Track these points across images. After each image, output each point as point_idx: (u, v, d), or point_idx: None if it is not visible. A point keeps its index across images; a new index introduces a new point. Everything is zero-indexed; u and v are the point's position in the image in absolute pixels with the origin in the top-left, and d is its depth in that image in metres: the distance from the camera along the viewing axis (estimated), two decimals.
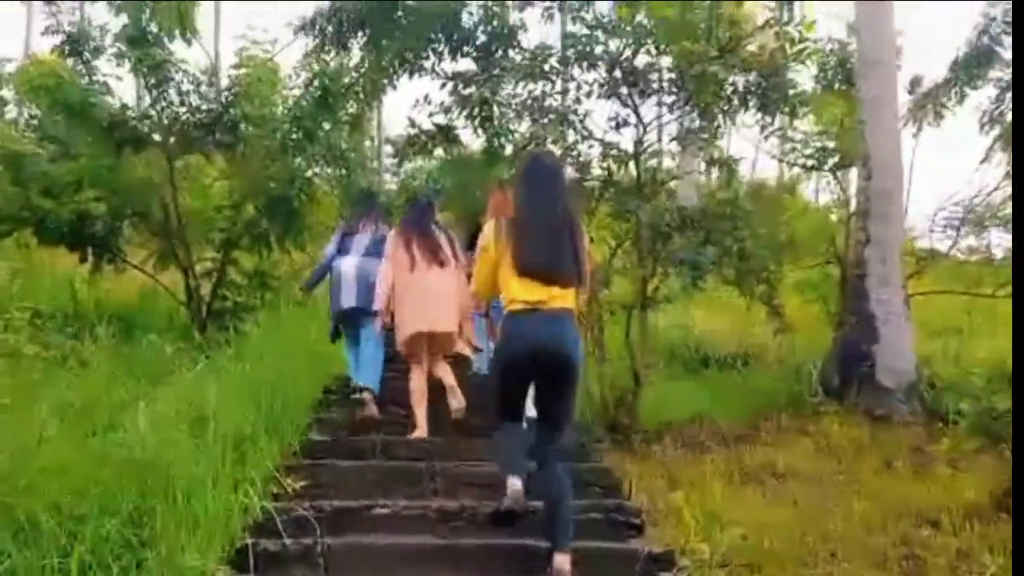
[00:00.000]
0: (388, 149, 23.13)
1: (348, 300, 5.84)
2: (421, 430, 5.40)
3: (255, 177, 8.08)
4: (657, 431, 6.97)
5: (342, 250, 6.09)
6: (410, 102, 7.97)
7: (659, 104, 6.78)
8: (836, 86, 8.53)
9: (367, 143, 22.47)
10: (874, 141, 8.22)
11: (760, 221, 7.54)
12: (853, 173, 9.87)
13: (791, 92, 6.42)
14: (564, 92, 7.41)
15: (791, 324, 7.40)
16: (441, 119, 7.73)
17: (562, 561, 3.45)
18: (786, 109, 6.60)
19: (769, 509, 5.15)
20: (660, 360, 8.25)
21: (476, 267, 4.15)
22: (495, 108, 7.73)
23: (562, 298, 3.72)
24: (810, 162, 9.29)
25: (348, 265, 5.93)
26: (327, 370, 7.45)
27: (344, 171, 19.70)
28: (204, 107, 7.89)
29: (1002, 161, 10.29)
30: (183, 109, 7.84)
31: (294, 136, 8.16)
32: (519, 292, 3.72)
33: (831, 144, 9.30)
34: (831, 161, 9.33)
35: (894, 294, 8.15)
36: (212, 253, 8.76)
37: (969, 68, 10.19)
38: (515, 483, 3.55)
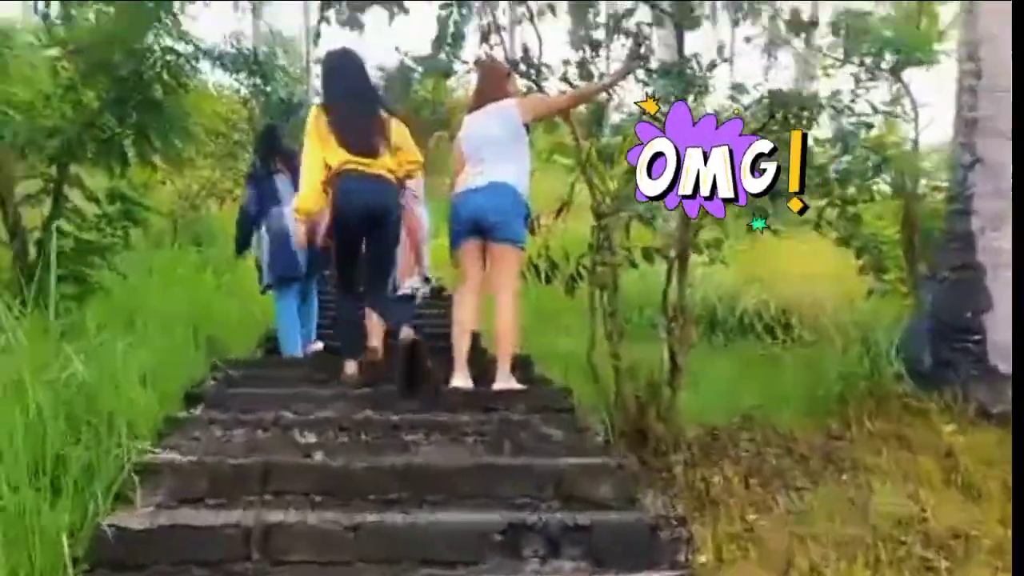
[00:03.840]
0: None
1: (297, 265, 5.46)
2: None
3: (96, 51, 5.31)
4: (703, 445, 4.66)
5: (265, 197, 5.63)
6: None
7: None
8: None
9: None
10: (987, 22, 5.84)
11: None
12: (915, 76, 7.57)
13: None
14: None
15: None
16: None
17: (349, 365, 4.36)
18: None
19: None
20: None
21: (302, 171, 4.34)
22: None
23: (378, 164, 4.25)
24: (868, 59, 6.98)
25: (289, 220, 5.22)
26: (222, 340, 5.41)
27: (260, 79, 16.50)
28: None
29: None
30: None
31: None
32: (341, 161, 4.19)
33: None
34: (890, 58, 7.05)
35: (1006, 239, 5.87)
36: (43, 168, 6.00)
37: None
38: (351, 366, 4.38)
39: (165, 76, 5.23)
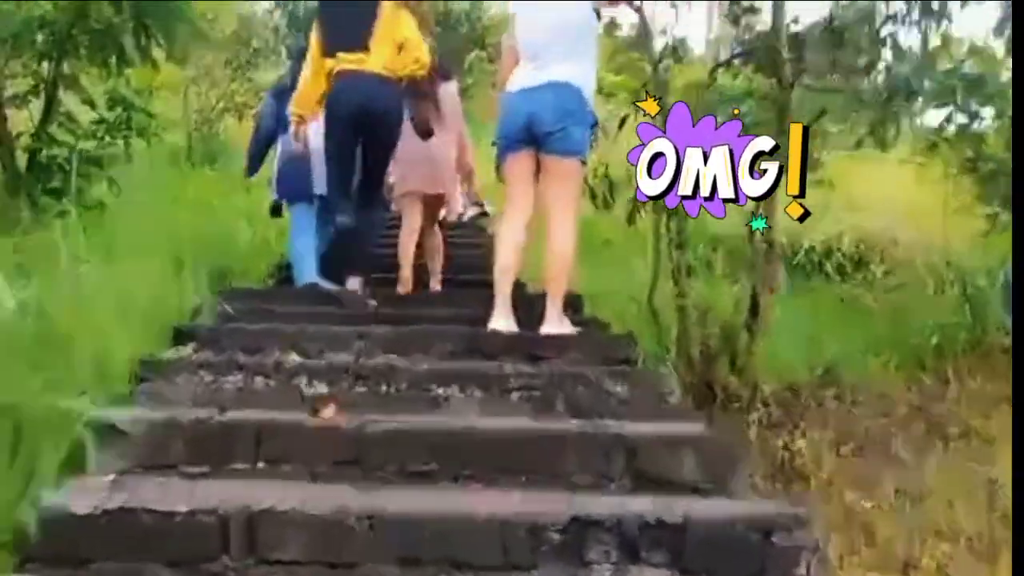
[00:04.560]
0: None
1: (311, 184, 4.66)
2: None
3: None
4: (780, 402, 3.98)
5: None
6: None
7: None
8: None
9: None
10: None
11: None
12: None
13: None
14: None
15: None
16: None
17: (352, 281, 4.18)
18: None
19: None
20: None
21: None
22: None
23: (372, 62, 3.91)
24: None
25: (316, 137, 4.50)
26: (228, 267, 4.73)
27: None
28: None
29: None
30: None
31: None
32: (336, 61, 3.94)
33: None
34: None
35: None
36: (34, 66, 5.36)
37: None
38: (353, 283, 4.18)
39: None
